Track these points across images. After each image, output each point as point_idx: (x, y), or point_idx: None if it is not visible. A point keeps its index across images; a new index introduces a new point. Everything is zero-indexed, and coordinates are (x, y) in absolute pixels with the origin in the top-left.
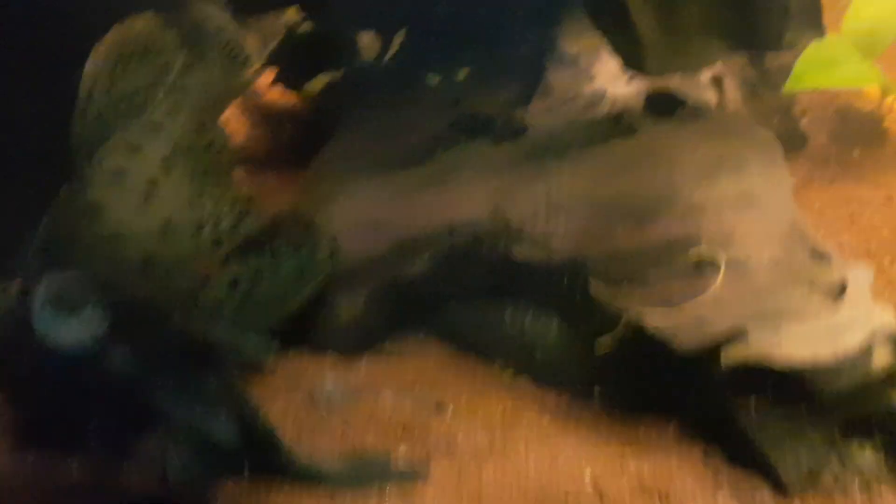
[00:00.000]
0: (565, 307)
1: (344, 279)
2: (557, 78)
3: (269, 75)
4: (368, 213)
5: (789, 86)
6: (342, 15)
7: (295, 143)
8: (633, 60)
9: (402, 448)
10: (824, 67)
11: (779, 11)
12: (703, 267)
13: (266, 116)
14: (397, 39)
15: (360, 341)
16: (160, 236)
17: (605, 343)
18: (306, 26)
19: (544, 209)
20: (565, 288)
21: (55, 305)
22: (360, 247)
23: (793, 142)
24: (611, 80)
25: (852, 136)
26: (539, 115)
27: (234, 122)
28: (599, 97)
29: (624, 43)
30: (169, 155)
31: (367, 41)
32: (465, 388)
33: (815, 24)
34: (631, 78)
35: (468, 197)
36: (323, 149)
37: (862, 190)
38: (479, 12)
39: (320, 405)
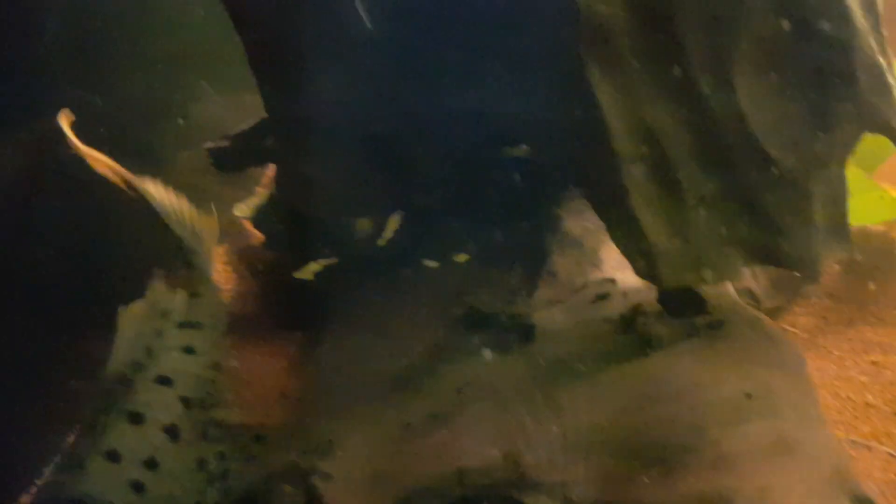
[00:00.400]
0: None
1: None
2: (562, 263)
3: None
4: (373, 465)
5: None
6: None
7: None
8: (645, 269)
9: None
10: None
11: (804, 231)
12: None
13: (255, 271)
14: (392, 223)
15: None
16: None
17: None
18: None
19: (560, 451)
20: None
21: None
22: (363, 502)
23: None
24: (619, 266)
25: (866, 267)
26: (545, 309)
27: (221, 276)
28: (608, 288)
29: (634, 249)
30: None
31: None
32: None
33: (842, 239)
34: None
35: (478, 437)
36: (316, 354)
37: (882, 334)
38: (475, 192)
39: None
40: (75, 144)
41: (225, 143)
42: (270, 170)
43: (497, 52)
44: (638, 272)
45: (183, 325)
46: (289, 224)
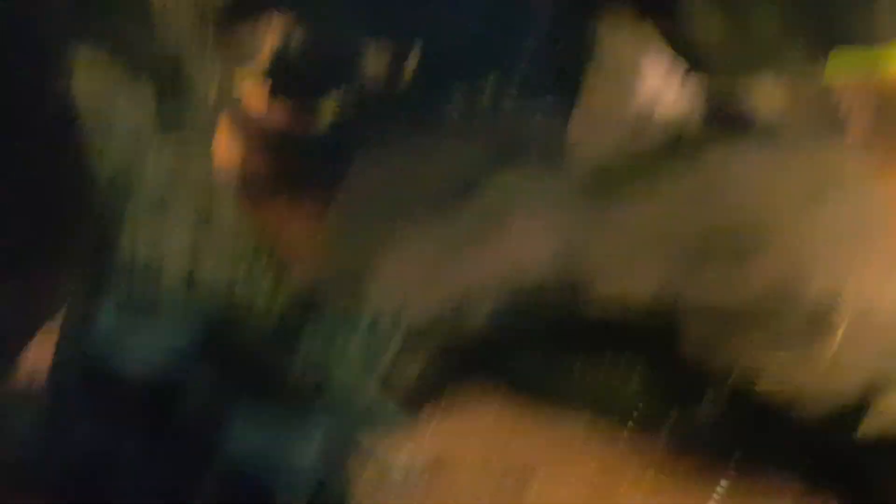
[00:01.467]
0: (645, 360)
1: (405, 341)
2: (596, 89)
3: (262, 91)
4: (421, 271)
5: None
6: (342, 27)
7: (299, 172)
8: (692, 57)
9: None
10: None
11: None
12: (820, 315)
13: (262, 138)
14: (413, 55)
15: (421, 400)
16: None
17: (705, 410)
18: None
19: (617, 253)
20: (647, 340)
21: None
22: (418, 306)
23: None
24: (659, 88)
25: None
26: (583, 135)
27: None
28: (649, 109)
29: (679, 37)
30: None
31: (376, 58)
32: (544, 446)
33: None
34: (682, 85)
35: (528, 244)
36: (342, 186)
37: None
38: (500, 21)
39: (396, 481)
40: None
41: None
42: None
43: None
44: (690, 72)
45: None
46: (306, 69)
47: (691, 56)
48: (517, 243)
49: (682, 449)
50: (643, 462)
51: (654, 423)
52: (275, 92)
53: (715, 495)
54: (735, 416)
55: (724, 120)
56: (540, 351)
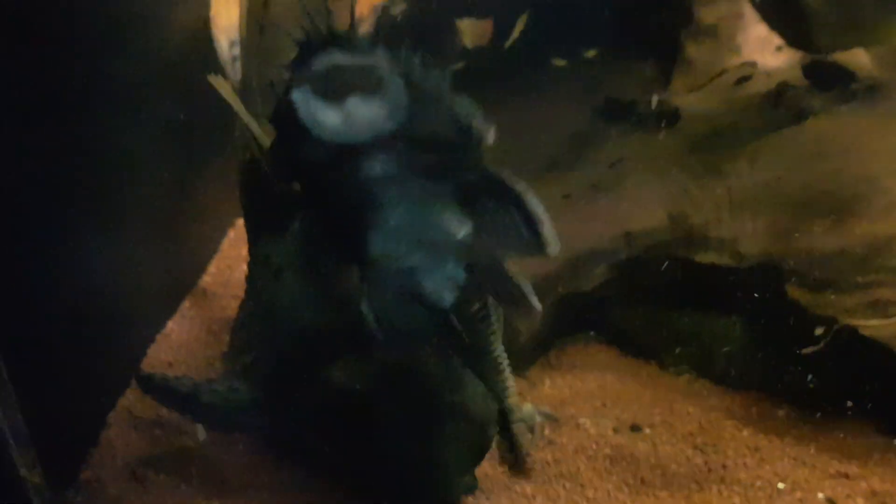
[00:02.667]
0: (754, 311)
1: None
2: (696, 52)
3: None
4: None
5: None
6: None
7: None
8: (797, 36)
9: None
10: None
11: None
12: None
13: None
14: (519, 24)
15: (535, 353)
16: None
17: (811, 350)
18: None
19: (727, 210)
20: (756, 292)
21: (315, 87)
22: (534, 265)
23: None
24: (758, 50)
25: None
26: (684, 96)
27: None
28: (749, 70)
29: (784, 16)
30: None
31: (476, 30)
32: (650, 402)
33: None
34: (780, 46)
35: (641, 202)
36: None
37: None
38: None
39: (517, 431)
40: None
41: None
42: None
43: None
44: (790, 41)
45: None
46: (409, 38)
47: (791, 28)
48: (631, 200)
49: (787, 403)
50: (745, 419)
51: (755, 379)
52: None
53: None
54: (839, 363)
55: (825, 84)
56: (651, 308)
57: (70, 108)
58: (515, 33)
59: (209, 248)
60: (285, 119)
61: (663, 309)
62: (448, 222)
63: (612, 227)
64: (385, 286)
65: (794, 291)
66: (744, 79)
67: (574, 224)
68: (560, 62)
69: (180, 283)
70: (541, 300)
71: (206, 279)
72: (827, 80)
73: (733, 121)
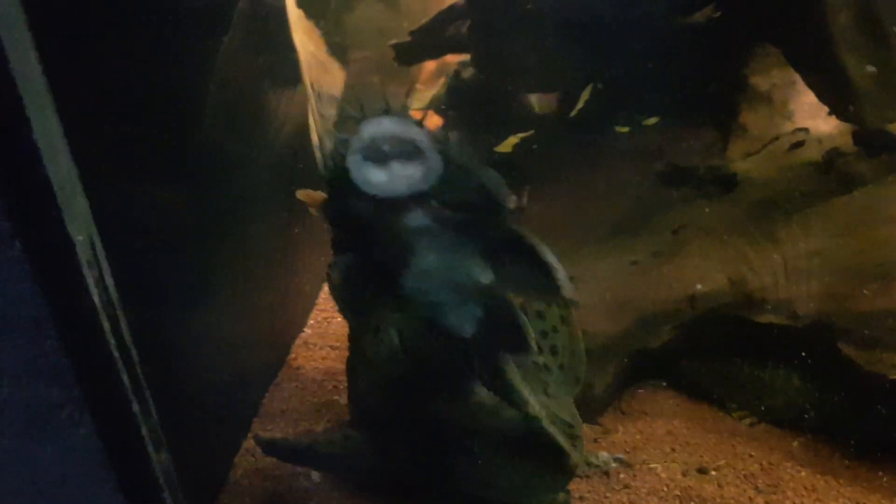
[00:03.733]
0: (810, 364)
1: (595, 355)
2: (752, 118)
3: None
4: (612, 293)
5: None
6: (513, 72)
7: None
8: (845, 111)
9: None
10: None
11: None
12: None
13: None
14: (583, 95)
15: (607, 402)
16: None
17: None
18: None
19: (783, 273)
20: (811, 348)
21: (365, 153)
22: (608, 325)
23: None
24: (810, 115)
25: None
26: (740, 162)
27: None
28: (802, 136)
29: (837, 94)
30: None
31: (543, 98)
32: (715, 446)
33: None
34: (831, 119)
35: (704, 266)
36: (525, 217)
37: None
38: (659, 59)
39: (598, 476)
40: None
41: (407, 39)
42: (428, 66)
43: None
44: (839, 115)
45: None
46: (480, 103)
47: (839, 100)
48: (693, 265)
49: (840, 447)
50: (802, 461)
51: (812, 424)
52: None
53: (865, 487)
54: (889, 412)
55: (874, 152)
56: (714, 359)
57: (207, 190)
58: (580, 103)
59: (309, 302)
60: (341, 178)
61: (726, 361)
62: (472, 269)
63: (677, 290)
64: (415, 318)
65: (846, 348)
66: (797, 145)
67: (642, 288)
68: (622, 129)
69: (287, 335)
70: (613, 355)
71: (307, 331)
72: (876, 147)
73: (787, 188)
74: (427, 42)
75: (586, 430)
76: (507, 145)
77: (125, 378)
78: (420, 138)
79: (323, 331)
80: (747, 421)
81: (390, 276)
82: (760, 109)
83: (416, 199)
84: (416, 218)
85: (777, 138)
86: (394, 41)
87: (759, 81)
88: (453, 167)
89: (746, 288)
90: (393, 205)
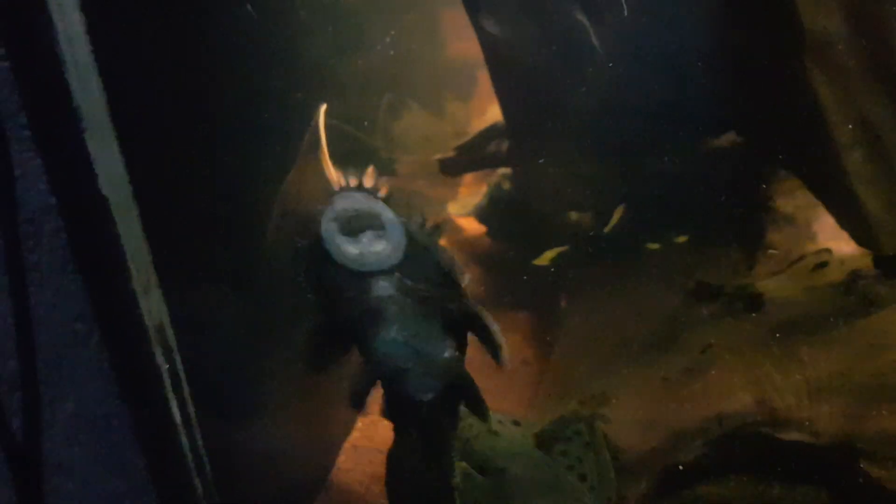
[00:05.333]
0: (834, 481)
1: (628, 470)
2: (777, 238)
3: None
4: (645, 410)
5: None
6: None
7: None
8: (864, 238)
9: None
10: None
11: None
12: None
13: (477, 259)
14: (617, 213)
15: None
16: None
17: None
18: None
19: (805, 395)
20: (834, 465)
21: (339, 223)
22: (640, 441)
23: None
24: (833, 237)
25: None
26: (767, 280)
27: None
28: (825, 257)
29: (853, 222)
30: None
31: (579, 217)
32: None
33: None
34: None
35: (731, 386)
36: (566, 325)
37: None
38: (688, 180)
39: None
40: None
41: (451, 154)
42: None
43: (717, 55)
44: (858, 241)
45: None
46: (520, 217)
47: (856, 227)
48: (721, 384)
49: None
50: None
51: None
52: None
53: None
54: None
55: (893, 274)
56: (743, 477)
57: (267, 308)
58: (613, 221)
59: None
60: (315, 248)
61: (754, 479)
62: (435, 342)
63: (705, 408)
64: (383, 380)
65: (867, 466)
66: (820, 265)
67: (672, 405)
68: (653, 246)
69: (337, 439)
70: (645, 470)
71: (356, 434)
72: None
73: (810, 308)
74: (469, 157)
75: None
76: (545, 258)
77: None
78: (386, 214)
79: (370, 434)
80: None
81: (358, 340)
82: (785, 229)
83: (384, 271)
84: (384, 287)
85: (801, 258)
86: (439, 155)
87: (784, 203)
88: (415, 245)
89: (771, 407)
90: (363, 274)
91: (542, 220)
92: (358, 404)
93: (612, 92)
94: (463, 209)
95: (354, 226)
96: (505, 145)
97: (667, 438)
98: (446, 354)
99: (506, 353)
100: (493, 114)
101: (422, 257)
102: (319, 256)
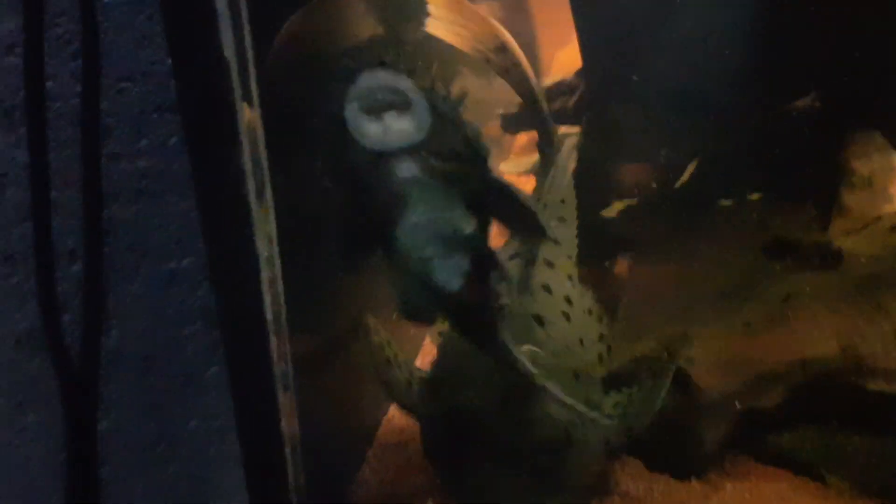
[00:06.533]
0: None
1: (707, 412)
2: (853, 200)
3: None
4: (725, 352)
5: None
6: (623, 142)
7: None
8: None
9: None
10: None
11: None
12: None
13: None
14: (689, 167)
15: (715, 459)
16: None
17: None
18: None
19: (893, 343)
20: None
21: (361, 102)
22: (720, 382)
23: None
24: None
25: None
26: (843, 238)
27: None
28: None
29: None
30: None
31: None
32: None
33: None
34: None
35: (815, 333)
36: (640, 273)
37: None
38: (766, 138)
39: None
40: None
41: (513, 110)
42: (520, 138)
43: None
44: None
45: None
46: (585, 172)
47: None
48: (805, 331)
49: None
50: None
51: None
52: None
53: None
54: None
55: None
56: (823, 426)
57: None
58: (686, 175)
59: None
60: (333, 128)
61: (834, 429)
62: (458, 221)
63: (788, 354)
64: (406, 272)
65: None
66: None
67: (754, 349)
68: (726, 203)
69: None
70: (724, 412)
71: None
72: None
73: (892, 265)
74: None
75: (695, 485)
76: (612, 211)
77: None
78: (410, 89)
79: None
80: (852, 491)
81: (383, 229)
82: (861, 191)
83: (407, 150)
84: (408, 168)
85: (878, 219)
86: (501, 110)
87: (860, 165)
88: (440, 118)
89: (857, 355)
90: (385, 156)
91: (606, 172)
92: (414, 316)
93: (698, 39)
94: (518, 168)
95: (377, 104)
96: (572, 101)
97: (748, 382)
98: (468, 231)
99: (544, 219)
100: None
101: (447, 131)
102: (338, 138)
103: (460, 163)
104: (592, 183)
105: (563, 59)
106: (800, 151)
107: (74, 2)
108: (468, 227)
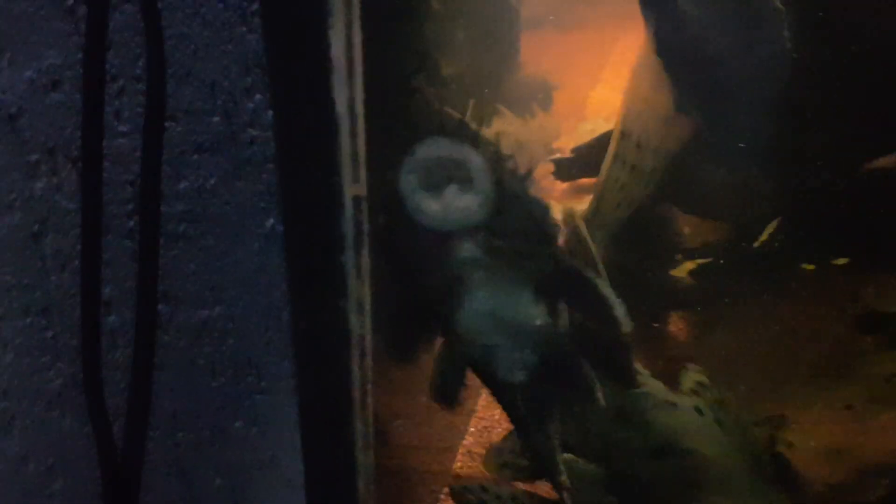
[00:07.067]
0: None
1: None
2: None
3: None
4: (830, 438)
5: None
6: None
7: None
8: None
9: None
10: None
11: None
12: None
13: None
14: (769, 227)
15: None
16: None
17: None
18: None
19: None
20: None
21: (418, 177)
22: (825, 472)
23: None
24: None
25: None
26: None
27: None
28: None
29: None
30: None
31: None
32: None
33: None
34: None
35: None
36: (711, 338)
37: None
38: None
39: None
40: None
41: (567, 156)
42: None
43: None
44: None
45: None
46: (642, 225)
47: None
48: None
49: None
50: None
51: None
52: None
53: None
54: None
55: None
56: None
57: None
58: (764, 235)
59: (466, 408)
60: (390, 205)
61: None
62: (527, 308)
63: (893, 442)
64: (467, 358)
65: None
66: None
67: (859, 436)
68: (809, 266)
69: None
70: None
71: (469, 440)
72: None
73: None
74: (585, 162)
75: None
76: (683, 270)
77: None
78: (474, 161)
79: (485, 440)
80: None
81: (438, 314)
82: None
83: (469, 228)
84: (469, 249)
85: None
86: (555, 156)
87: None
88: (505, 195)
89: None
90: (444, 234)
91: (670, 228)
92: (443, 398)
93: (790, 91)
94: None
95: (437, 178)
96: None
97: (853, 472)
98: (538, 322)
99: (622, 311)
100: (584, 130)
101: (513, 209)
102: (395, 215)
103: (527, 242)
104: (657, 240)
105: (596, 99)
106: (890, 214)
107: (125, 37)
108: (537, 315)
